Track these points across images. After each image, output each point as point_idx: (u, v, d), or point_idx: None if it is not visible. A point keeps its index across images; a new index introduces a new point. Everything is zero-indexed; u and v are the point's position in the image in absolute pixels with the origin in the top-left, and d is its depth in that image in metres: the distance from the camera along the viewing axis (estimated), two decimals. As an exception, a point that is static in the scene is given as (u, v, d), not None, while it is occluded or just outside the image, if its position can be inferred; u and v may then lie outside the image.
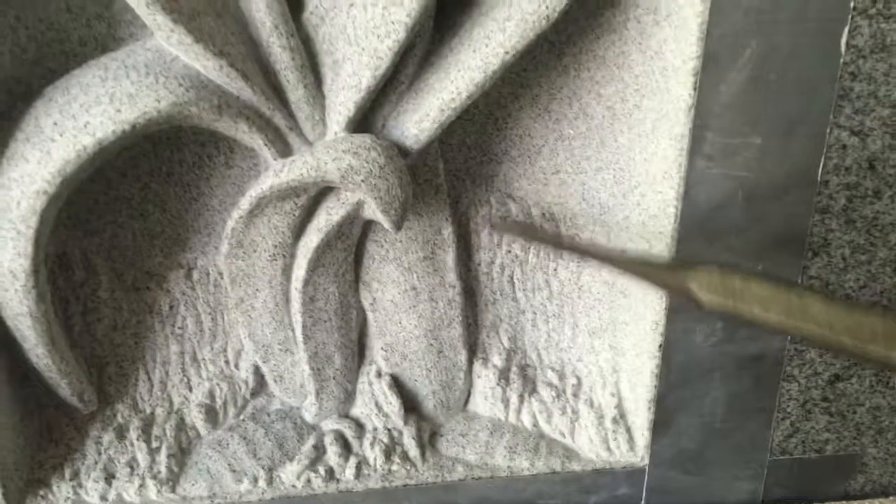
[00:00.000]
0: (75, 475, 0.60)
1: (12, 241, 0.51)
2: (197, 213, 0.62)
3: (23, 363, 0.57)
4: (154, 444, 0.62)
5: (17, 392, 0.59)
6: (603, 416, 0.68)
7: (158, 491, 0.61)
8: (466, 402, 0.71)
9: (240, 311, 0.63)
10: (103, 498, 0.60)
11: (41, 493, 0.59)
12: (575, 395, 0.70)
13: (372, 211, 0.58)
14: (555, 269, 0.69)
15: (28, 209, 0.51)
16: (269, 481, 0.63)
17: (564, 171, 0.67)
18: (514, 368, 0.70)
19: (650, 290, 0.62)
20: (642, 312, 0.65)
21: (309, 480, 0.63)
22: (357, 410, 0.68)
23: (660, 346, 0.64)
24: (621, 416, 0.68)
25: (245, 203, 0.58)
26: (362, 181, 0.55)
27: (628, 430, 0.68)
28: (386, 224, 0.58)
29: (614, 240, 0.66)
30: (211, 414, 0.65)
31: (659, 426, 0.67)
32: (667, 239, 0.61)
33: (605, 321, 0.69)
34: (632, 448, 0.68)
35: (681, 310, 0.64)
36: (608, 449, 0.68)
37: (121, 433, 0.63)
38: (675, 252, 0.61)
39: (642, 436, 0.67)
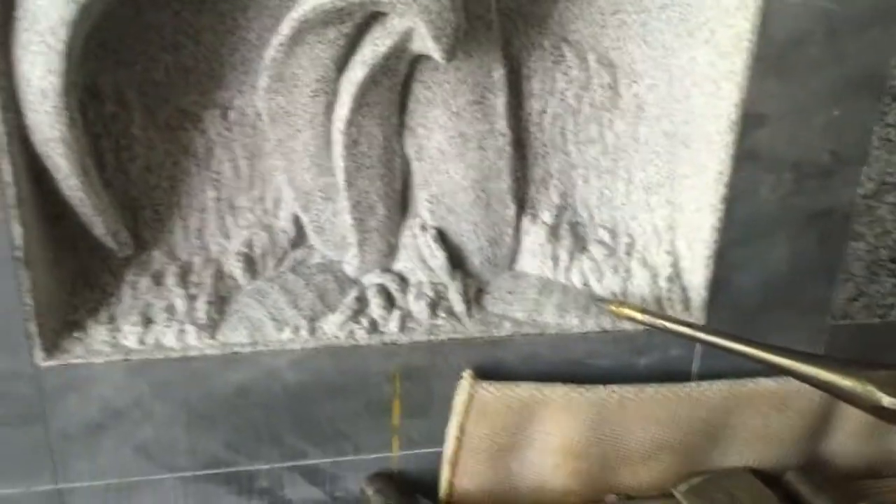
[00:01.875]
0: (112, 319, 0.58)
1: (42, 57, 0.48)
2: (233, 48, 0.58)
3: (55, 199, 0.55)
4: (192, 291, 0.60)
5: (50, 231, 0.56)
6: (657, 274, 0.65)
7: (198, 336, 0.59)
8: (514, 260, 0.68)
9: (279, 154, 0.60)
10: (141, 342, 0.58)
11: (77, 335, 0.57)
12: (628, 254, 0.66)
13: (422, 39, 0.54)
14: (610, 121, 0.65)
15: (57, 19, 0.47)
16: (312, 331, 0.60)
17: (625, 11, 0.62)
18: (564, 226, 0.67)
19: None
20: (705, 163, 0.61)
21: (352, 331, 0.61)
22: (400, 265, 0.65)
23: (723, 197, 0.61)
24: (677, 275, 0.65)
25: (286, 27, 0.54)
26: (413, 1, 0.51)
27: (683, 289, 0.65)
28: (436, 54, 0.54)
29: (676, 85, 0.62)
30: (250, 264, 0.62)
31: (717, 285, 0.64)
32: (737, 78, 0.57)
33: (664, 175, 0.65)
34: (687, 308, 0.65)
35: (748, 158, 0.60)
36: (661, 308, 0.65)
37: (158, 279, 0.60)
38: (745, 91, 0.57)
39: (699, 295, 0.64)
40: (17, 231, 0.52)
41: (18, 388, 0.57)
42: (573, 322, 0.64)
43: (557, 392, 0.63)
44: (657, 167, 0.65)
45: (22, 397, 0.57)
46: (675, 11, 0.60)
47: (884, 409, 0.45)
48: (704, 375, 0.66)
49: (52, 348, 0.56)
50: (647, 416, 0.64)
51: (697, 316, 0.65)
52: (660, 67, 0.62)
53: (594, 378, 0.64)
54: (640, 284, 0.65)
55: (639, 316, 0.60)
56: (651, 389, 0.64)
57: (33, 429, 0.58)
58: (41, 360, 0.56)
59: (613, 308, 0.61)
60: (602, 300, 0.64)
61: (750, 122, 0.58)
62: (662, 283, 0.65)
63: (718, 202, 0.61)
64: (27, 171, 0.52)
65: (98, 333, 0.58)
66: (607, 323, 0.64)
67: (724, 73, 0.58)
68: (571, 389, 0.63)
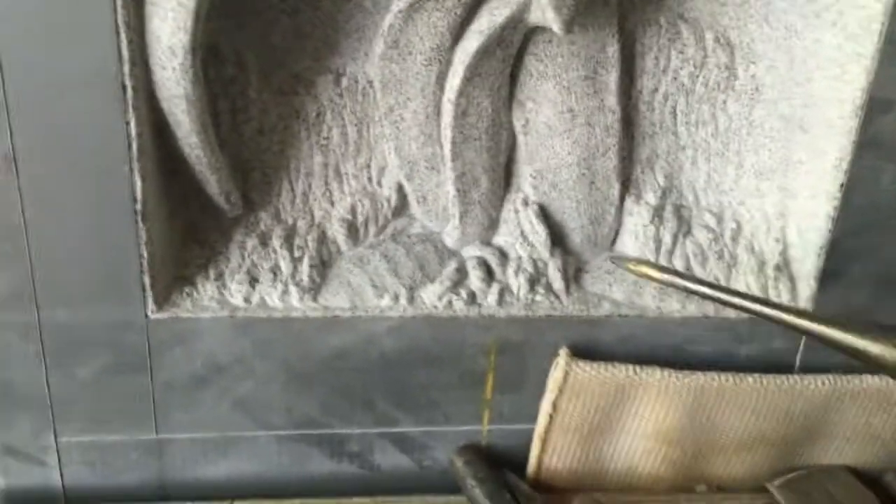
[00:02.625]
0: (220, 276, 0.60)
1: (172, 13, 0.49)
2: (349, 15, 0.59)
3: (173, 155, 0.56)
4: (296, 254, 0.61)
5: (166, 187, 0.58)
6: (765, 262, 0.63)
7: (301, 298, 0.60)
8: (614, 241, 0.67)
9: (388, 122, 0.60)
10: (247, 300, 0.59)
11: (186, 290, 0.59)
12: (734, 240, 0.65)
13: (541, 10, 0.53)
14: (724, 102, 0.64)
15: (190, -22, 0.48)
16: (411, 299, 0.61)
17: (747, -11, 0.60)
18: (668, 208, 0.66)
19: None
20: (824, 148, 0.59)
21: (450, 302, 0.61)
22: (500, 239, 0.65)
23: (841, 185, 0.59)
24: (785, 264, 0.63)
25: (407, -6, 0.54)
26: (536, -29, 0.50)
27: (792, 279, 0.63)
28: (555, 25, 0.53)
29: (797, 68, 0.59)
30: (352, 230, 0.63)
31: (827, 276, 0.62)
32: (865, 61, 0.55)
33: (777, 160, 0.63)
34: (794, 298, 0.63)
35: (870, 145, 0.57)
36: (767, 298, 0.63)
37: (264, 240, 0.61)
38: (873, 75, 0.55)
39: (808, 286, 0.63)
40: (139, 184, 0.53)
41: (129, 338, 0.58)
42: (674, 306, 0.63)
43: (654, 376, 0.62)
44: (770, 152, 0.63)
45: (131, 347, 0.59)
46: (801, -10, 0.58)
47: None
48: (808, 368, 0.65)
49: (162, 301, 0.58)
50: (746, 406, 0.63)
51: (805, 307, 0.63)
52: (780, 49, 0.60)
53: (693, 364, 0.63)
54: (745, 272, 0.64)
55: (656, 274, 0.57)
56: (751, 379, 0.62)
57: (139, 378, 0.60)
58: (152, 312, 0.58)
59: (631, 266, 0.59)
60: (620, 258, 0.62)
61: (876, 107, 0.56)
62: (770, 272, 0.63)
63: (836, 190, 0.59)
64: (150, 126, 0.54)
65: (206, 290, 0.59)
66: (709, 309, 0.63)
67: (852, 56, 0.56)
68: (669, 374, 0.62)
